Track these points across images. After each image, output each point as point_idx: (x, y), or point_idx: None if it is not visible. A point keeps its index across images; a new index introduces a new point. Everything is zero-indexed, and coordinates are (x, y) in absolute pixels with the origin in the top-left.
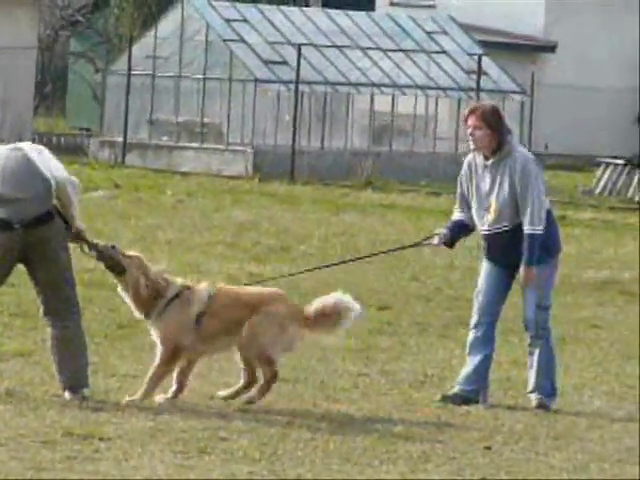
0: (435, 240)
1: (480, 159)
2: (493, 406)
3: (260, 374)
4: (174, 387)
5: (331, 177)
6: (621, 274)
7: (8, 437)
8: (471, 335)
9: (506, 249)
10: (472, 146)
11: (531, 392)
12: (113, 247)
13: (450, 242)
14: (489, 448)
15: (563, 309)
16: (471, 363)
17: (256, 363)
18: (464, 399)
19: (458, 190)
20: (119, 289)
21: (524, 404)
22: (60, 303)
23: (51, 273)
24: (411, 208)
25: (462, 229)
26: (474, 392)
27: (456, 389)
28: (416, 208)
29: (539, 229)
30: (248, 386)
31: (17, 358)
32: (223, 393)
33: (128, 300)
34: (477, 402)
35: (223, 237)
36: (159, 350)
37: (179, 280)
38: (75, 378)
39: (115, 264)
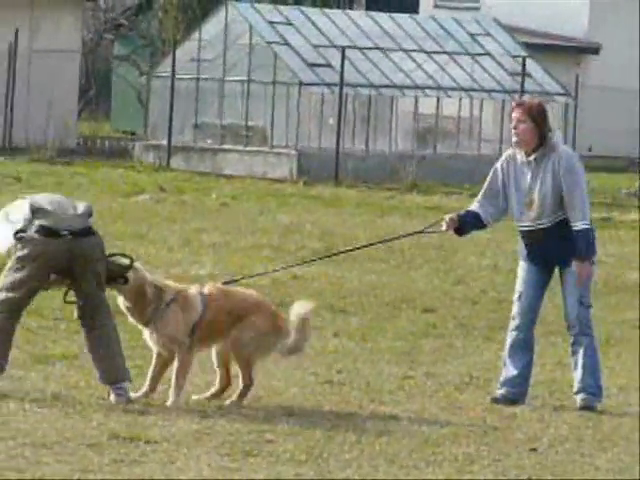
0: (443, 226)
1: (521, 155)
2: (538, 408)
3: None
4: (146, 387)
5: (375, 180)
6: None
7: (54, 440)
8: (512, 337)
9: (546, 246)
10: (514, 139)
11: (577, 393)
12: (131, 258)
13: (460, 230)
14: (534, 450)
15: (607, 310)
16: (514, 365)
17: (238, 368)
18: (511, 401)
19: (487, 182)
20: (120, 300)
21: (569, 405)
22: (96, 311)
23: (91, 285)
24: (455, 210)
25: (475, 221)
26: (520, 394)
27: (503, 391)
28: (460, 210)
29: (589, 224)
30: (224, 389)
31: (62, 361)
32: (198, 397)
33: (126, 309)
34: (523, 404)
35: (268, 240)
36: (175, 351)
37: (171, 283)
38: (115, 372)
39: (118, 274)
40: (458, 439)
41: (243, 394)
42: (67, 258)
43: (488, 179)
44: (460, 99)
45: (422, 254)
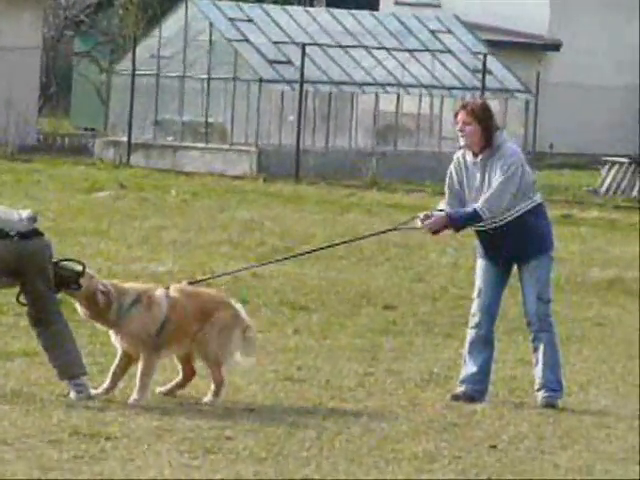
0: (418, 223)
1: (470, 156)
2: (498, 405)
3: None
4: (107, 384)
5: (336, 177)
6: (626, 273)
7: (15, 437)
8: (472, 334)
9: (502, 245)
10: (461, 142)
11: (538, 390)
12: (82, 264)
13: (457, 228)
14: (495, 447)
15: (568, 308)
16: (474, 362)
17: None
18: (471, 398)
19: (446, 186)
20: (77, 307)
21: (530, 403)
22: (45, 312)
23: (39, 287)
24: (416, 208)
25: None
26: (481, 392)
27: (463, 388)
28: (421, 208)
29: (485, 213)
30: (187, 381)
31: (23, 358)
32: (162, 389)
33: (84, 315)
34: (483, 401)
35: (228, 237)
36: (140, 351)
37: (134, 285)
38: (72, 368)
39: (71, 280)
40: (418, 436)
41: (217, 393)
42: (15, 259)
43: (446, 183)
44: (420, 96)
45: (383, 251)
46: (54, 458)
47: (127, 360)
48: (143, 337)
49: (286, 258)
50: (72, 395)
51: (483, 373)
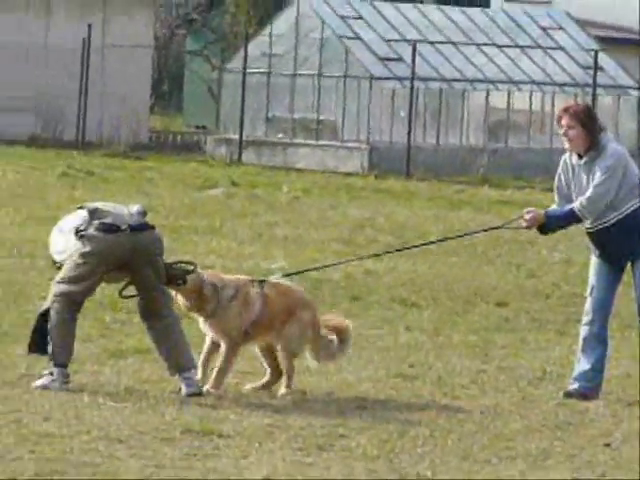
0: (523, 223)
1: (575, 158)
2: (612, 403)
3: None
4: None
5: (447, 173)
6: None
7: (128, 434)
8: (585, 332)
9: (610, 244)
10: (566, 146)
11: None
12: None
13: (544, 227)
14: (608, 445)
15: None
16: (587, 360)
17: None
18: (584, 396)
19: (555, 187)
20: (178, 298)
21: None
22: (157, 305)
23: (151, 279)
24: (527, 204)
25: (564, 215)
26: (594, 389)
27: (576, 385)
28: (532, 204)
29: (583, 214)
30: (275, 380)
31: (135, 355)
32: (250, 386)
33: (184, 307)
34: (596, 399)
35: (339, 234)
36: (224, 343)
37: (230, 277)
38: (182, 361)
39: (178, 276)
40: (531, 434)
41: (289, 384)
42: (128, 252)
43: (555, 185)
44: (531, 93)
45: (495, 248)
46: (167, 456)
47: (215, 349)
48: (232, 332)
49: (388, 252)
50: (183, 390)
51: (596, 370)
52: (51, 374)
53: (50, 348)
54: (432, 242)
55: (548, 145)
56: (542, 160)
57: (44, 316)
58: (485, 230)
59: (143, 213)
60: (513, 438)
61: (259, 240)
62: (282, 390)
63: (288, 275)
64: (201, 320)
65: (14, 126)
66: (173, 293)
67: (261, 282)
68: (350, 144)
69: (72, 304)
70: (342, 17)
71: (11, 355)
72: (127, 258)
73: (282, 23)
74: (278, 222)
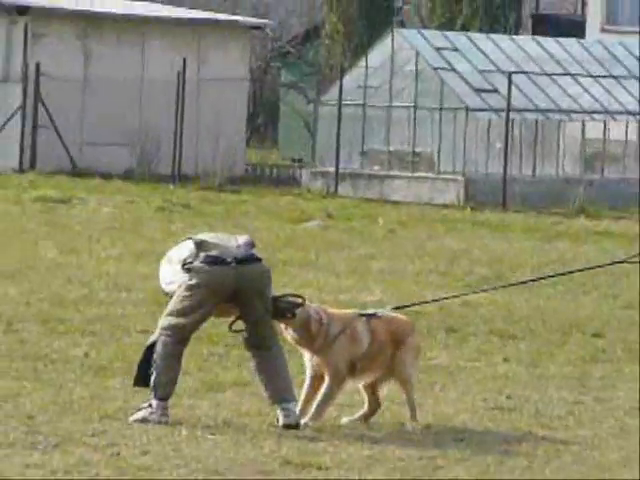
0: None
1: None
2: None
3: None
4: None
5: (543, 205)
6: None
7: (226, 468)
8: None
9: None
10: None
11: None
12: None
13: None
14: None
15: None
16: None
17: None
18: None
19: None
20: (286, 332)
21: None
22: (262, 337)
23: (259, 311)
24: (624, 235)
25: None
26: None
27: None
28: (629, 235)
29: None
30: (373, 412)
31: (234, 388)
32: (347, 419)
33: (293, 339)
34: None
35: (436, 266)
36: (329, 377)
37: (338, 312)
38: (282, 392)
39: (287, 309)
40: (629, 464)
41: (414, 416)
42: (234, 285)
43: None
44: (627, 123)
45: (591, 278)
46: None
47: (317, 384)
48: (339, 367)
49: (494, 288)
50: (280, 420)
51: None
52: (150, 406)
53: (153, 380)
54: (551, 276)
55: None
56: (638, 191)
57: (151, 349)
58: (610, 264)
59: (251, 244)
60: (611, 469)
61: (355, 273)
62: (408, 425)
63: (397, 308)
64: (306, 354)
65: (109, 160)
66: (282, 326)
67: (369, 316)
68: (446, 176)
69: (179, 337)
70: (437, 49)
71: (109, 388)
72: (234, 291)
73: (377, 55)
74: (374, 254)
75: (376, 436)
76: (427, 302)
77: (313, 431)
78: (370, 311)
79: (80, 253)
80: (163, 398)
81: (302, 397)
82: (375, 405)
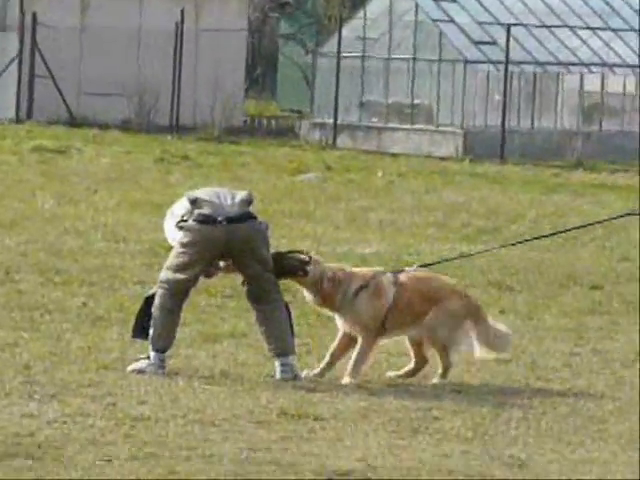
0: None
1: None
2: None
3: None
4: (324, 364)
5: (541, 157)
6: None
7: (223, 418)
8: None
9: None
10: None
11: None
12: (309, 256)
13: None
14: None
15: None
16: None
17: (436, 353)
18: None
19: None
20: (305, 292)
21: None
22: (262, 292)
23: (254, 269)
24: (622, 187)
25: None
26: None
27: None
28: (627, 188)
29: None
30: (419, 369)
31: (230, 339)
32: (393, 373)
33: (310, 299)
34: None
35: (434, 218)
36: (360, 337)
37: (361, 270)
38: (281, 345)
39: (299, 268)
40: (624, 416)
41: (444, 375)
42: (225, 243)
43: None
44: (625, 76)
45: (588, 231)
46: (262, 439)
47: (347, 343)
48: (367, 323)
49: (524, 241)
50: (277, 374)
51: None
52: (148, 358)
53: (151, 332)
54: (561, 231)
55: None
56: (637, 143)
57: (149, 301)
58: (621, 216)
59: (247, 202)
60: (606, 420)
61: (353, 225)
62: (435, 379)
63: (424, 266)
64: (336, 316)
65: (107, 111)
66: (298, 286)
67: (396, 273)
68: (444, 128)
69: (177, 291)
70: (436, 0)
71: (106, 339)
72: (225, 249)
73: (376, 6)
74: (372, 207)
75: (373, 387)
76: (455, 258)
77: (310, 382)
78: (399, 269)
79: (77, 203)
80: (161, 350)
81: (329, 352)
82: (421, 362)
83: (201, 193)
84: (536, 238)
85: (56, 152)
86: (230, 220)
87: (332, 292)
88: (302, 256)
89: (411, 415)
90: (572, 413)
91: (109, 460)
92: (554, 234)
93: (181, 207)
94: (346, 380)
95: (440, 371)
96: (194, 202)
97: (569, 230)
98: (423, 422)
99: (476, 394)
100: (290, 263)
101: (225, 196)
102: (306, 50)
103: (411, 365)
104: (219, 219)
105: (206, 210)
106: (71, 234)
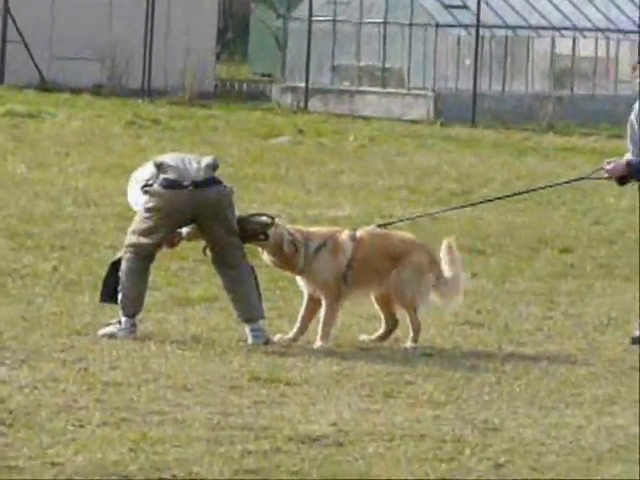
0: (604, 173)
1: None
2: None
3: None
4: (295, 330)
5: (512, 121)
6: None
7: (195, 383)
8: None
9: None
10: None
11: None
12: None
13: (624, 179)
14: None
15: None
16: None
17: (403, 311)
18: None
19: (628, 136)
20: (264, 255)
21: None
22: (228, 256)
23: (220, 233)
24: (593, 151)
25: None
26: None
27: None
28: (598, 151)
29: None
30: (390, 331)
31: (202, 304)
32: (366, 337)
33: (271, 262)
34: None
35: (405, 181)
36: (323, 297)
37: (319, 229)
38: (250, 310)
39: (259, 232)
40: (597, 380)
41: (415, 339)
42: (191, 208)
43: (628, 134)
44: (596, 40)
45: (559, 195)
46: (234, 403)
47: (314, 305)
48: (328, 281)
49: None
50: (249, 340)
51: None
52: (119, 323)
53: (120, 297)
54: (519, 193)
55: (613, 92)
56: (607, 107)
57: (115, 265)
58: (568, 182)
59: (212, 167)
60: (579, 384)
61: (325, 188)
62: (408, 344)
63: (381, 226)
64: (298, 278)
65: (79, 75)
66: (259, 250)
67: (354, 230)
68: (416, 92)
69: (142, 255)
70: None
71: (77, 303)
72: (191, 214)
73: None
74: (344, 170)
75: (345, 352)
76: (411, 218)
77: (281, 347)
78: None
79: (48, 168)
80: (131, 315)
81: (299, 317)
82: (392, 324)
83: (167, 158)
84: (498, 198)
85: (27, 116)
86: (196, 185)
87: (292, 254)
88: (264, 218)
89: (383, 379)
90: (545, 377)
91: (81, 425)
92: (514, 195)
93: (146, 172)
94: (317, 344)
95: (411, 334)
96: (159, 167)
97: (527, 192)
98: (395, 387)
99: (448, 358)
100: (252, 227)
101: (191, 161)
102: (277, 14)
103: (382, 328)
104: (185, 184)
105: (172, 175)
106: (42, 198)
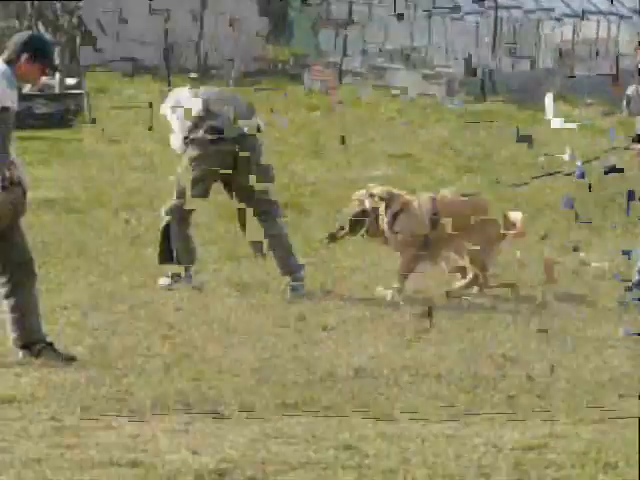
0: None
1: None
2: None
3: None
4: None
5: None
6: None
7: (245, 325)
8: None
9: None
10: None
11: None
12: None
13: None
14: None
15: None
16: None
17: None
18: None
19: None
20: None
21: None
22: (265, 206)
23: (257, 180)
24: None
25: None
26: None
27: None
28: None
29: None
30: (477, 279)
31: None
32: (457, 284)
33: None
34: None
35: (427, 150)
36: (401, 255)
37: (399, 193)
38: (290, 264)
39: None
40: (602, 320)
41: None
42: (233, 157)
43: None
44: (599, 22)
45: None
46: (279, 344)
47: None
48: (407, 244)
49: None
50: (288, 293)
51: None
52: (178, 275)
53: (175, 254)
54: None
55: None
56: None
57: (166, 230)
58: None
59: (252, 112)
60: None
61: (360, 154)
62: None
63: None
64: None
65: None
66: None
67: (433, 196)
68: (438, 69)
69: (185, 211)
70: None
71: (143, 257)
72: (232, 162)
73: None
74: (375, 138)
75: (372, 300)
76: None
77: (321, 294)
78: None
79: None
80: (187, 265)
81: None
82: (475, 278)
83: (212, 98)
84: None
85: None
86: (240, 134)
87: (376, 217)
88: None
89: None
90: (556, 317)
91: (148, 361)
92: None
93: (190, 102)
94: (390, 292)
95: (476, 288)
96: (207, 112)
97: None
98: (422, 327)
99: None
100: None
101: (232, 104)
102: None
103: (468, 279)
104: (228, 132)
105: (217, 123)
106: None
